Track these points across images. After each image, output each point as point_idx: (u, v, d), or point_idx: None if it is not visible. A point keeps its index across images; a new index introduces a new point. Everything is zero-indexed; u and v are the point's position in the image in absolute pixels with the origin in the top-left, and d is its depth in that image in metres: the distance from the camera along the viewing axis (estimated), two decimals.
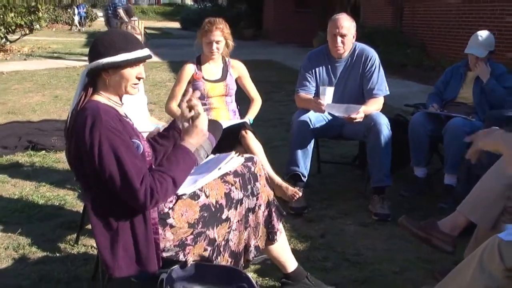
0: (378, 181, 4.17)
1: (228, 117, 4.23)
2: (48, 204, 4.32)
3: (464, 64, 4.74)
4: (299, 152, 4.22)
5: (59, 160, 5.46)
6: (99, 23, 31.59)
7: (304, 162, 4.24)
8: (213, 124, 3.55)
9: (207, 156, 3.20)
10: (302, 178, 4.25)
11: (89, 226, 3.61)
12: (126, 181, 2.20)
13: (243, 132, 3.92)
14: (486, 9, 11.07)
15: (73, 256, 3.43)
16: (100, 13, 39.47)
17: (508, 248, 2.03)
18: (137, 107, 3.95)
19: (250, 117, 4.32)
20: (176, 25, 35.37)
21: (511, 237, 2.04)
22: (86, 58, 2.49)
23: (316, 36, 16.77)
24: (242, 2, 26.81)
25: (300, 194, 3.90)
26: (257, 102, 4.47)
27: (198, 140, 2.48)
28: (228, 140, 3.74)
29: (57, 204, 4.31)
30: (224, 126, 3.77)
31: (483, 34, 4.55)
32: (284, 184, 3.89)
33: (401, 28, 14.74)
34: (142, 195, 2.21)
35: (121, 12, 13.83)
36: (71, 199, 4.40)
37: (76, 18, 29.53)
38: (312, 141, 4.29)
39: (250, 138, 3.92)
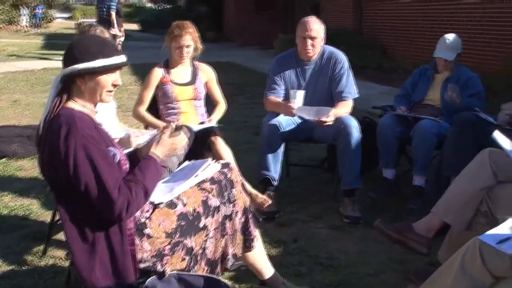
0: (348, 184, 4.19)
1: (197, 121, 4.18)
2: (11, 214, 4.18)
3: (431, 66, 4.80)
4: (270, 156, 4.21)
5: (22, 168, 5.31)
6: (56, 25, 31.04)
7: (274, 166, 4.23)
8: (184, 129, 3.51)
9: (179, 162, 3.16)
10: (273, 182, 4.24)
11: (57, 237, 3.55)
12: (102, 192, 2.14)
13: (213, 138, 3.88)
14: (446, 10, 11.28)
15: (41, 268, 3.31)
16: (58, 14, 38.72)
17: (489, 250, 2.04)
18: (107, 113, 3.87)
19: (214, 118, 4.27)
20: (134, 27, 35.00)
21: (492, 242, 2.05)
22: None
23: (277, 38, 16.81)
24: (201, 4, 26.71)
25: (270, 202, 3.90)
26: (221, 106, 4.44)
27: (168, 153, 2.45)
28: (197, 146, 3.70)
29: (22, 214, 4.18)
30: (194, 130, 3.75)
31: (450, 37, 4.62)
32: (254, 192, 3.87)
33: (361, 30, 14.90)
34: (118, 206, 2.16)
35: (113, 14, 13.44)
36: (36, 209, 4.27)
37: (25, 19, 28.64)
38: (282, 145, 4.28)
39: (220, 144, 3.89)
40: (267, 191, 4.19)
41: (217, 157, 3.76)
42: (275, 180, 4.25)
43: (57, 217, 3.37)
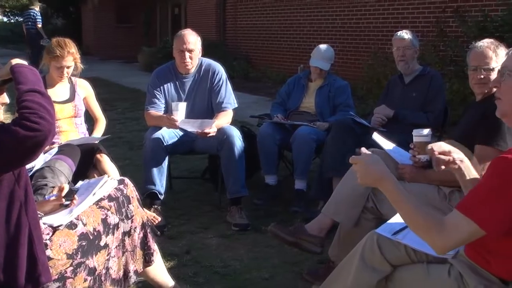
0: (234, 192, 4.27)
1: None
2: None
3: (305, 75, 5.01)
4: (154, 170, 4.18)
5: None
6: None
7: (160, 180, 4.21)
8: (71, 148, 3.41)
9: (68, 181, 3.06)
10: (159, 196, 4.21)
11: None
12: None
13: (98, 155, 3.78)
14: (306, 20, 11.82)
15: None
16: None
17: (386, 241, 2.21)
18: None
19: (95, 136, 4.17)
20: None
21: (388, 233, 2.22)
22: None
23: (141, 51, 16.66)
24: (57, 17, 25.74)
25: (160, 219, 3.88)
26: (101, 122, 4.35)
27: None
28: (82, 164, 3.60)
29: None
30: (75, 144, 3.64)
31: (324, 47, 4.88)
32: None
33: (225, 41, 15.19)
34: (38, 127, 1.88)
35: (39, 27, 14.28)
36: None
37: None
38: (166, 158, 4.27)
39: (106, 162, 3.80)
40: (153, 205, 4.16)
41: (102, 175, 3.67)
42: (161, 194, 4.23)
43: None
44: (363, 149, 2.11)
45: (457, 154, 2.17)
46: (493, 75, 2.87)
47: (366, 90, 8.68)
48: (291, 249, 3.44)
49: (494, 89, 1.98)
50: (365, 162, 2.01)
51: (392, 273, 2.19)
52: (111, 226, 2.48)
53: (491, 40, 3.01)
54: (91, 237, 2.38)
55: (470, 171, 2.17)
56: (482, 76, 2.94)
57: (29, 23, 14.47)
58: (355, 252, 2.28)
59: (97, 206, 2.49)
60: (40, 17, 14.53)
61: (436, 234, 1.83)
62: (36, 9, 14.75)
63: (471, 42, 3.15)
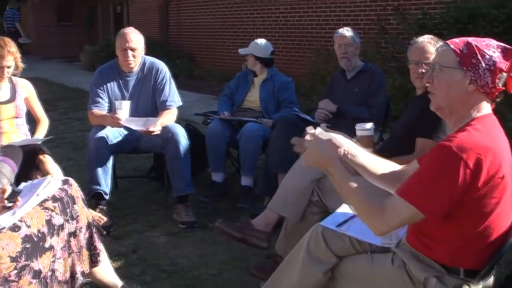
0: (180, 190, 4.26)
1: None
2: None
3: (252, 71, 5.01)
4: (99, 170, 4.12)
5: None
6: None
7: (105, 180, 4.16)
8: (12, 150, 3.33)
9: (11, 184, 2.99)
10: (105, 196, 4.16)
11: None
12: None
13: (41, 156, 3.71)
14: (249, 19, 11.87)
15: None
16: None
17: (330, 233, 2.25)
18: None
19: (38, 137, 4.09)
20: None
21: (332, 225, 2.27)
22: None
23: (83, 50, 16.35)
24: None
25: (105, 219, 3.84)
26: (44, 123, 4.26)
27: None
28: (24, 165, 3.52)
29: None
30: (17, 145, 3.56)
31: (258, 40, 4.95)
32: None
33: (168, 40, 15.08)
34: None
35: (17, 25, 15.78)
36: None
37: None
38: (111, 158, 4.22)
39: (49, 163, 3.73)
40: (99, 205, 4.10)
41: (45, 176, 3.60)
42: (106, 194, 4.17)
43: None
44: (310, 128, 2.20)
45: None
46: None
47: (310, 86, 8.78)
48: (238, 245, 3.46)
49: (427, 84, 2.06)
50: (316, 145, 2.09)
51: (338, 264, 2.24)
52: (55, 227, 2.44)
53: (431, 36, 3.12)
54: (36, 239, 2.34)
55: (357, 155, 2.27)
56: (423, 70, 3.03)
57: (8, 21, 15.88)
58: (300, 245, 2.32)
59: (41, 207, 2.44)
60: (18, 18, 15.99)
61: (376, 217, 1.92)
62: (15, 8, 16.24)
63: (412, 39, 3.25)
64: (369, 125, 3.10)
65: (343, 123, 4.06)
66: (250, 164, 4.48)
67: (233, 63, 11.85)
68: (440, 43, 3.02)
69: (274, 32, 11.05)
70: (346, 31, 4.38)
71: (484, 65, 1.90)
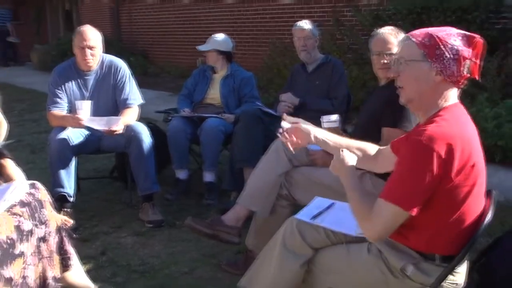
0: (146, 189, 4.22)
1: None
2: None
3: (210, 67, 4.99)
4: (62, 172, 4.05)
5: None
6: None
7: (68, 182, 4.08)
8: None
9: None
10: (69, 198, 4.08)
11: None
12: None
13: (2, 160, 3.60)
14: (203, 13, 11.80)
15: None
16: None
17: (305, 226, 2.28)
18: None
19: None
20: None
21: (307, 218, 2.29)
22: None
23: (33, 49, 15.97)
24: None
25: (72, 222, 3.77)
26: (2, 126, 4.14)
27: None
28: None
29: None
30: None
31: (216, 34, 4.95)
32: None
33: (121, 37, 14.85)
34: None
35: (9, 25, 16.44)
36: None
37: None
38: (74, 159, 4.15)
39: (11, 167, 3.61)
40: (64, 208, 4.03)
41: (8, 181, 3.51)
42: (71, 196, 4.09)
43: None
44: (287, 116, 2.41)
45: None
46: None
47: (267, 80, 8.79)
48: (208, 241, 3.47)
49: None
50: (344, 157, 2.12)
51: (314, 256, 2.26)
52: (25, 233, 2.40)
53: (392, 27, 3.17)
54: (5, 246, 2.29)
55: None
56: (385, 61, 3.08)
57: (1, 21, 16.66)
58: (276, 240, 2.34)
59: (9, 213, 2.39)
60: (9, 18, 16.81)
61: (366, 222, 1.97)
62: (6, 8, 16.92)
63: (366, 31, 3.30)
64: (335, 116, 3.14)
65: (306, 115, 4.08)
66: (212, 160, 4.47)
67: (187, 59, 11.77)
68: (401, 34, 3.08)
69: (229, 26, 11.00)
70: (305, 24, 4.41)
71: (448, 55, 1.93)
